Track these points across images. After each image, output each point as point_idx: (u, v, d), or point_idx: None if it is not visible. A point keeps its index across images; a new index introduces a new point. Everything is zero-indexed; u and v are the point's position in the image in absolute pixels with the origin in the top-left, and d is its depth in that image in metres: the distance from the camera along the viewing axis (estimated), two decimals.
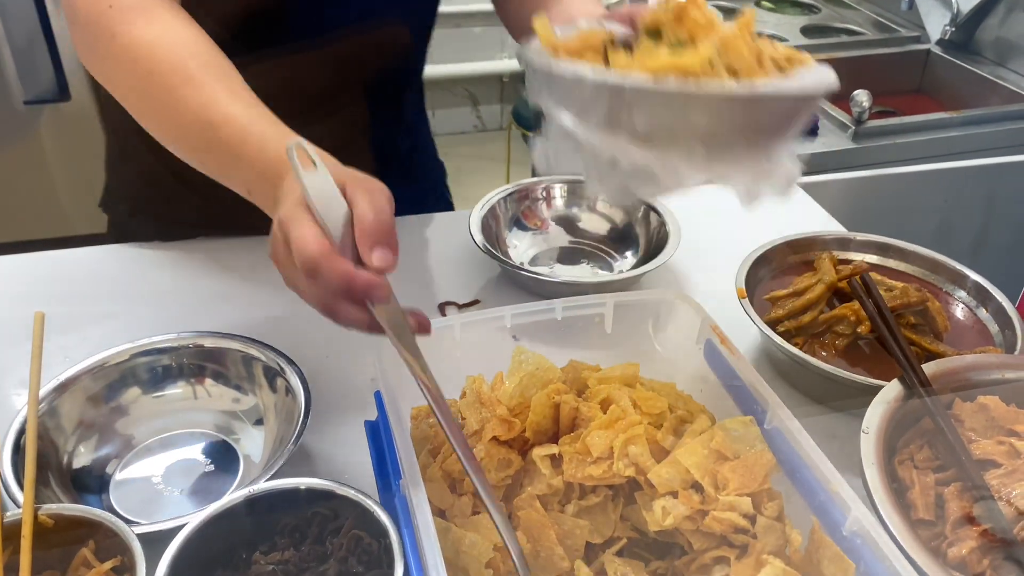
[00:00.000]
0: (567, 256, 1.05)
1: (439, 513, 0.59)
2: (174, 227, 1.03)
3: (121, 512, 0.69)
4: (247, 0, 0.86)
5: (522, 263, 1.02)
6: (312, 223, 0.56)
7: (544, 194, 1.08)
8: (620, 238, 1.06)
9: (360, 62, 0.99)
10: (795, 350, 0.78)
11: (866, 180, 1.25)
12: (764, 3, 2.02)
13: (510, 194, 1.06)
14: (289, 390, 0.73)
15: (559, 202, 1.09)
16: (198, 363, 0.77)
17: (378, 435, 0.63)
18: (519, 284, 0.98)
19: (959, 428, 0.66)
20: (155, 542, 0.57)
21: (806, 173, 1.26)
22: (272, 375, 0.75)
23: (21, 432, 0.66)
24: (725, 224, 1.12)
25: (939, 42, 1.72)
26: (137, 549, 0.55)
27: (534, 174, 1.91)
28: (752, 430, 0.60)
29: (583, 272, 1.03)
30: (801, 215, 1.14)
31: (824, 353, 0.81)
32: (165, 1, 0.73)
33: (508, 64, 3.24)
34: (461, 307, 0.95)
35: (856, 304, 0.80)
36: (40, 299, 0.94)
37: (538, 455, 0.59)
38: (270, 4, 0.88)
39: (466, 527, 0.58)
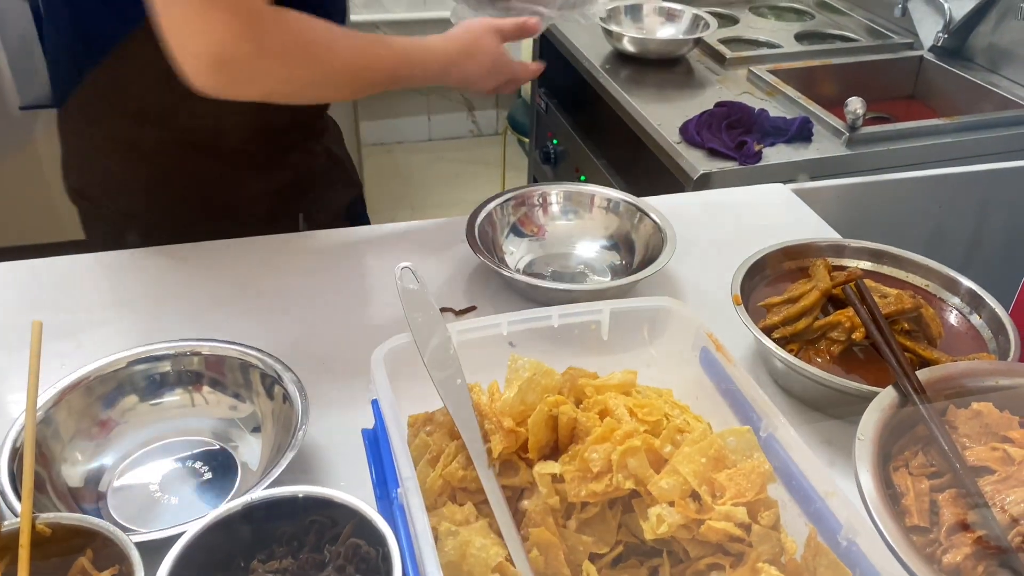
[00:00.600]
0: (563, 262, 1.05)
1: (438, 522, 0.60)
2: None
3: (119, 520, 0.69)
4: None
5: (519, 270, 1.02)
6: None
7: (541, 200, 1.09)
8: (616, 245, 1.06)
9: None
10: (789, 357, 0.78)
11: (860, 186, 1.26)
12: (760, 10, 2.03)
13: (507, 200, 1.06)
14: (287, 397, 0.74)
15: (556, 208, 1.09)
16: (195, 371, 0.77)
17: (376, 443, 0.63)
18: (516, 291, 0.98)
19: (953, 434, 0.66)
20: (153, 550, 0.57)
21: (801, 179, 1.27)
22: (269, 382, 0.75)
23: (18, 441, 0.67)
24: (720, 231, 1.13)
25: (932, 49, 1.72)
26: (135, 558, 0.56)
27: (530, 180, 1.92)
28: (749, 439, 0.61)
29: (579, 279, 1.03)
30: (796, 221, 1.15)
31: (819, 359, 0.82)
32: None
33: None
34: (458, 314, 0.95)
35: (850, 310, 0.81)
36: (36, 306, 0.94)
37: (539, 472, 0.59)
38: None
39: (470, 534, 0.58)
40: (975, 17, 1.67)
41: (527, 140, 2.43)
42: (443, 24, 1.07)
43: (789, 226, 1.13)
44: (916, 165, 1.35)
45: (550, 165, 2.03)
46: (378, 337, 0.68)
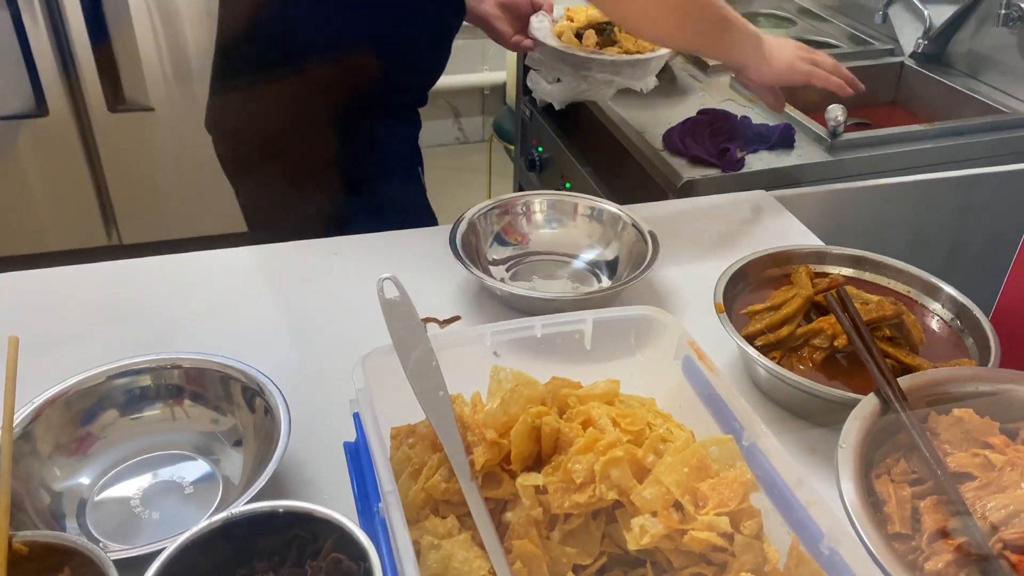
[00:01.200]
0: (547, 271, 1.05)
1: (420, 535, 0.59)
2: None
3: (98, 536, 0.69)
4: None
5: (503, 279, 1.02)
6: None
7: (524, 209, 1.09)
8: (600, 253, 1.06)
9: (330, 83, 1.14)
10: (772, 364, 0.78)
11: (842, 193, 1.26)
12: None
13: (491, 209, 1.06)
14: (268, 410, 0.73)
15: (539, 217, 1.09)
16: (176, 384, 0.77)
17: (357, 456, 0.63)
18: (500, 300, 0.98)
19: (935, 441, 0.67)
20: (132, 567, 0.56)
21: (783, 186, 1.28)
22: (250, 395, 0.75)
23: None
24: (704, 238, 1.13)
25: (912, 55, 1.74)
26: (114, 575, 0.55)
27: (516, 187, 1.92)
28: (731, 448, 0.61)
29: (563, 287, 1.03)
30: (779, 228, 1.15)
31: (802, 367, 0.82)
32: None
33: (489, 77, 3.26)
34: (442, 324, 0.95)
35: (833, 318, 0.81)
36: (14, 320, 0.93)
37: (522, 484, 0.59)
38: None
39: (452, 547, 0.58)
40: (954, 23, 1.68)
41: (513, 147, 2.43)
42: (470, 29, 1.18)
43: (772, 233, 1.14)
44: (898, 171, 1.36)
45: (535, 172, 2.03)
46: (361, 348, 0.67)
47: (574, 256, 1.07)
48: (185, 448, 0.76)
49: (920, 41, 1.71)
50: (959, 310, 0.87)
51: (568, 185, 1.84)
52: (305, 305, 0.97)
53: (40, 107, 2.25)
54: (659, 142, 1.41)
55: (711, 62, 1.70)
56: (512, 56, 2.46)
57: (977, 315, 0.85)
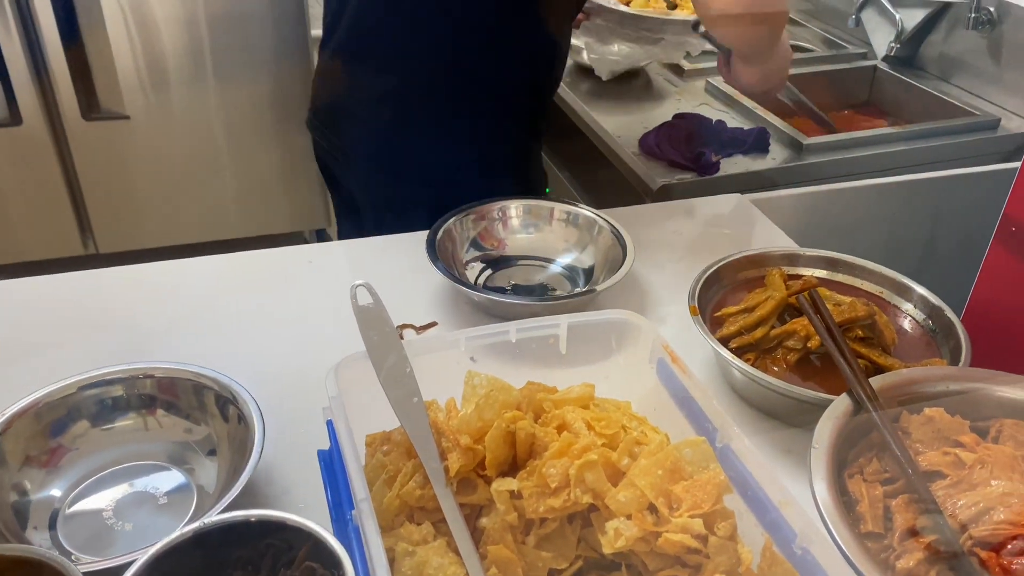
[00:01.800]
0: (524, 276, 1.06)
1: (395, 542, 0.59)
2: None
3: (70, 549, 0.68)
4: None
5: (480, 284, 1.02)
6: None
7: (500, 215, 1.09)
8: (576, 257, 1.06)
9: None
10: (746, 366, 0.79)
11: (816, 195, 1.27)
12: None
13: (467, 215, 1.06)
14: (242, 419, 0.73)
15: (515, 222, 1.09)
16: (148, 394, 0.76)
17: (331, 464, 0.62)
18: (477, 305, 0.98)
19: (906, 440, 0.67)
20: None
21: (758, 189, 1.29)
22: (224, 404, 0.74)
23: None
24: (679, 241, 1.14)
25: (885, 58, 1.76)
26: None
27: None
28: (705, 450, 0.61)
29: (540, 292, 1.03)
30: (753, 231, 1.16)
31: (776, 368, 0.83)
32: None
33: None
34: (419, 330, 0.95)
35: (806, 319, 0.82)
36: None
37: (497, 490, 0.59)
38: None
39: (427, 553, 0.58)
40: (925, 27, 1.70)
41: None
42: None
43: (747, 236, 1.15)
44: (871, 173, 1.37)
45: None
46: (336, 355, 0.67)
47: (551, 260, 1.07)
48: (158, 458, 0.76)
49: (892, 45, 1.73)
50: (931, 310, 0.88)
51: (548, 190, 1.85)
52: (280, 313, 0.97)
53: (13, 116, 2.23)
54: (635, 147, 1.42)
55: (687, 66, 1.72)
56: None
57: (948, 315, 0.85)
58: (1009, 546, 0.57)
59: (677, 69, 1.73)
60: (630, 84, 1.70)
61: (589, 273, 1.04)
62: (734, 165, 1.37)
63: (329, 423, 0.63)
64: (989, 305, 0.90)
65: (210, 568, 0.58)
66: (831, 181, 1.33)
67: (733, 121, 1.50)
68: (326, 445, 0.67)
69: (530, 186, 1.32)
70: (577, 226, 1.07)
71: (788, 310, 0.87)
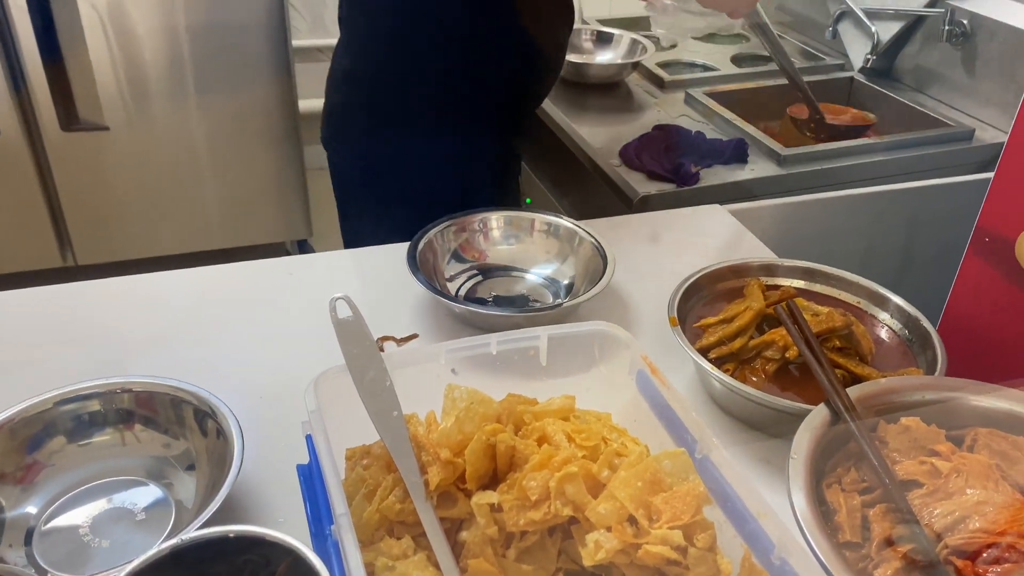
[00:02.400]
0: (506, 287, 1.06)
1: (375, 557, 0.59)
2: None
3: (46, 567, 0.67)
4: None
5: (461, 296, 1.02)
6: None
7: (481, 226, 1.09)
8: (557, 268, 1.07)
9: None
10: (724, 377, 0.79)
11: (794, 206, 1.29)
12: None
13: (448, 226, 1.06)
14: (221, 433, 0.72)
15: (496, 234, 1.09)
16: (126, 408, 0.75)
17: (311, 479, 0.62)
18: (458, 317, 0.98)
19: (884, 449, 0.68)
20: None
21: (737, 200, 1.30)
22: (203, 418, 0.74)
23: None
24: (659, 252, 1.14)
25: (862, 70, 1.78)
26: None
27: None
28: (684, 461, 0.61)
29: (521, 303, 1.04)
30: (733, 241, 1.17)
31: (755, 378, 0.83)
32: None
33: None
34: (400, 342, 0.95)
35: (784, 329, 0.82)
36: None
37: (477, 503, 0.59)
38: None
39: (407, 568, 0.58)
40: (901, 39, 1.73)
41: None
42: None
43: (726, 246, 1.16)
44: (848, 184, 1.39)
45: None
46: (316, 368, 0.67)
47: (532, 272, 1.07)
48: (136, 473, 0.75)
49: (869, 56, 1.75)
50: (907, 320, 0.89)
51: (528, 200, 1.85)
52: (260, 326, 0.96)
53: None
54: (616, 157, 1.43)
55: (667, 78, 1.73)
56: None
57: (925, 325, 0.86)
58: (984, 554, 0.58)
59: (657, 80, 1.75)
60: (611, 95, 1.72)
61: (570, 284, 1.05)
62: (713, 176, 1.38)
63: (308, 437, 0.63)
64: (964, 314, 0.91)
65: None
66: (809, 191, 1.35)
67: (712, 132, 1.51)
68: (306, 459, 0.67)
69: (506, 194, 1.35)
70: (558, 237, 1.07)
71: (767, 320, 0.88)
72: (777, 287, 0.93)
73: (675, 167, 1.35)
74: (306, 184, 2.49)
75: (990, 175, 0.86)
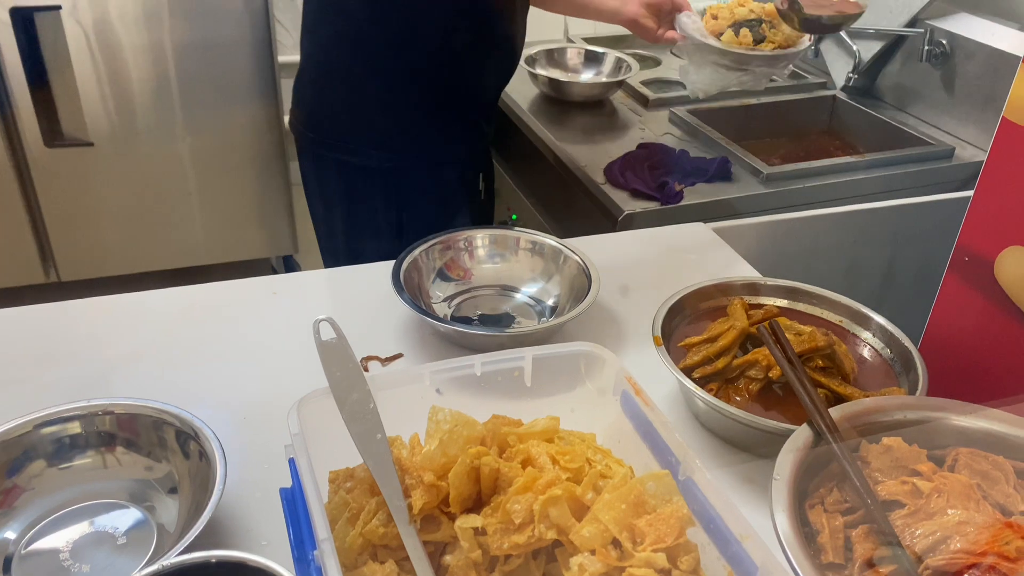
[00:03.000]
0: (491, 305, 1.06)
1: None
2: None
3: None
4: None
5: (445, 315, 1.02)
6: None
7: (467, 244, 1.09)
8: (542, 287, 1.07)
9: None
10: (708, 396, 0.80)
11: (777, 223, 1.30)
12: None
13: (433, 245, 1.07)
14: (203, 456, 0.72)
15: (481, 252, 1.10)
16: (107, 431, 0.75)
17: (294, 503, 0.62)
18: (443, 336, 0.98)
19: (866, 470, 0.68)
20: None
21: (721, 218, 1.31)
22: (185, 440, 0.73)
23: None
24: (644, 270, 1.15)
25: (844, 88, 1.80)
26: None
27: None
28: (668, 483, 0.61)
29: (506, 322, 1.04)
30: (717, 259, 1.17)
31: (738, 398, 0.83)
32: None
33: None
34: (384, 361, 0.94)
35: (767, 348, 0.83)
36: None
37: (461, 527, 0.59)
38: None
39: None
40: (882, 59, 1.75)
41: None
42: None
43: (710, 264, 1.16)
44: (831, 202, 1.40)
45: None
46: (300, 390, 0.67)
47: (517, 290, 1.08)
48: (118, 497, 0.74)
49: (850, 75, 1.77)
50: (889, 339, 0.89)
51: (514, 217, 1.86)
52: (243, 346, 0.96)
53: None
54: (601, 176, 1.44)
55: (651, 96, 1.74)
56: None
57: (906, 344, 0.87)
58: (965, 575, 0.58)
59: (641, 99, 1.76)
60: (596, 113, 1.73)
61: (555, 302, 1.05)
62: (697, 194, 1.39)
63: (291, 461, 0.62)
64: (945, 334, 0.92)
65: None
66: (792, 209, 1.36)
67: (696, 151, 1.52)
68: (289, 482, 0.66)
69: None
70: (543, 256, 1.08)
71: (751, 339, 0.89)
72: (760, 306, 0.94)
73: (659, 185, 1.36)
74: (292, 200, 2.48)
75: (969, 193, 0.87)
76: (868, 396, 0.80)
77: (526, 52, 1.82)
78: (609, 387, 0.74)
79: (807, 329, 0.87)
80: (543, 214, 1.73)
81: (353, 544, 0.60)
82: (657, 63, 1.99)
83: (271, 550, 0.71)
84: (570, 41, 2.08)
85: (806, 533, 0.63)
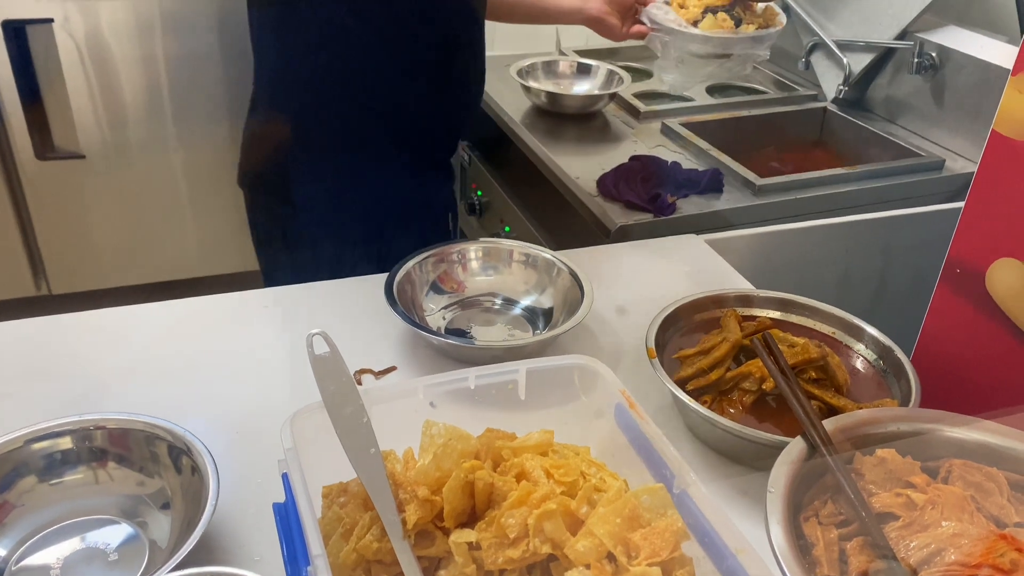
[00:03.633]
0: (484, 319, 1.06)
1: None
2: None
3: None
4: None
5: (439, 328, 1.02)
6: None
7: (460, 257, 1.09)
8: (536, 299, 1.07)
9: None
10: (701, 408, 0.80)
11: (770, 235, 1.30)
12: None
13: (426, 258, 1.06)
14: (196, 471, 0.71)
15: (475, 265, 1.10)
16: (99, 446, 0.74)
17: (287, 518, 0.61)
18: (437, 349, 0.98)
19: (860, 482, 0.68)
20: None
21: (713, 229, 1.31)
22: (177, 455, 0.73)
23: None
24: (637, 282, 1.15)
25: (834, 100, 1.81)
26: None
27: (456, 230, 1.93)
28: (663, 497, 0.61)
29: (500, 334, 1.04)
30: (710, 271, 1.18)
31: (732, 410, 0.84)
32: None
33: None
34: (377, 375, 0.94)
35: (760, 361, 0.83)
36: None
37: (455, 542, 0.58)
38: None
39: None
40: (872, 71, 1.76)
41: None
42: None
43: (703, 276, 1.16)
44: (822, 213, 1.41)
45: (475, 216, 2.05)
46: (294, 404, 0.66)
47: (510, 302, 1.08)
48: (109, 512, 0.74)
49: (841, 87, 1.78)
50: (881, 350, 0.90)
51: (507, 229, 1.86)
52: (236, 359, 0.96)
53: None
54: (593, 188, 1.44)
55: (643, 108, 1.75)
56: None
57: (898, 355, 0.87)
58: None
59: (633, 111, 1.77)
60: (588, 126, 1.73)
61: (548, 314, 1.05)
62: (690, 205, 1.39)
63: (284, 476, 0.62)
64: (937, 345, 0.93)
65: None
66: (784, 221, 1.36)
67: (688, 162, 1.53)
68: (283, 496, 0.66)
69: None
70: (536, 268, 1.08)
71: (744, 351, 0.89)
72: (753, 318, 0.94)
73: (652, 197, 1.37)
74: None
75: (960, 204, 0.88)
76: (861, 408, 0.80)
77: (518, 64, 1.83)
78: (603, 400, 0.74)
79: (800, 341, 0.87)
80: (536, 226, 1.73)
81: (347, 560, 0.60)
82: (649, 75, 2.00)
83: (264, 566, 0.70)
84: (562, 53, 2.08)
85: (801, 546, 0.63)
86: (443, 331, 1.02)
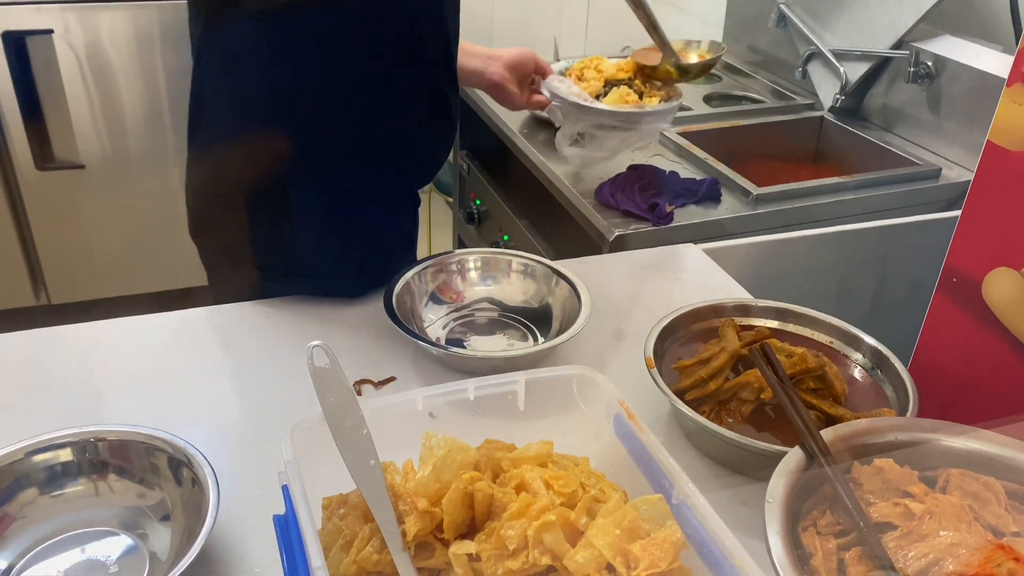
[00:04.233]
0: (483, 329, 1.06)
1: None
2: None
3: None
4: None
5: (438, 339, 1.03)
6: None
7: (459, 267, 1.10)
8: (534, 309, 1.07)
9: None
10: (700, 418, 0.80)
11: (767, 244, 1.31)
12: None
13: (425, 268, 1.07)
14: (196, 482, 0.71)
15: (474, 275, 1.10)
16: (99, 458, 0.75)
17: (287, 530, 0.62)
18: (436, 359, 0.98)
19: (858, 491, 0.69)
20: None
21: (711, 238, 1.32)
22: (178, 467, 0.73)
23: None
24: (635, 292, 1.15)
25: (831, 109, 1.82)
26: None
27: (455, 239, 1.93)
28: (662, 507, 0.62)
29: (499, 344, 1.04)
30: (707, 280, 1.18)
31: (731, 420, 0.84)
32: None
33: None
34: (377, 385, 0.94)
35: (759, 370, 0.83)
36: None
37: (455, 553, 0.59)
38: None
39: None
40: (869, 80, 1.77)
41: (451, 200, 2.45)
42: None
43: (701, 285, 1.17)
44: (820, 222, 1.41)
45: (474, 225, 2.05)
46: (294, 415, 0.67)
47: (509, 312, 1.08)
48: (110, 524, 0.74)
49: (837, 96, 1.79)
50: (879, 360, 0.90)
51: (506, 238, 1.87)
52: (236, 371, 0.96)
53: None
54: (592, 197, 1.45)
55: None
56: None
57: (896, 365, 0.88)
58: None
59: None
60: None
61: (547, 324, 1.05)
62: (687, 215, 1.40)
63: (284, 488, 0.62)
64: (935, 355, 0.93)
65: None
66: (781, 230, 1.37)
67: (686, 172, 1.53)
68: (283, 508, 0.66)
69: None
70: (535, 278, 1.08)
71: (743, 361, 0.89)
72: (751, 327, 0.94)
73: (649, 206, 1.37)
74: None
75: (957, 213, 0.88)
76: (860, 417, 0.81)
77: None
78: (602, 410, 0.74)
79: (798, 351, 0.87)
80: (535, 236, 1.73)
81: (347, 572, 0.60)
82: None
83: None
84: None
85: (799, 556, 0.63)
86: (442, 341, 1.02)
